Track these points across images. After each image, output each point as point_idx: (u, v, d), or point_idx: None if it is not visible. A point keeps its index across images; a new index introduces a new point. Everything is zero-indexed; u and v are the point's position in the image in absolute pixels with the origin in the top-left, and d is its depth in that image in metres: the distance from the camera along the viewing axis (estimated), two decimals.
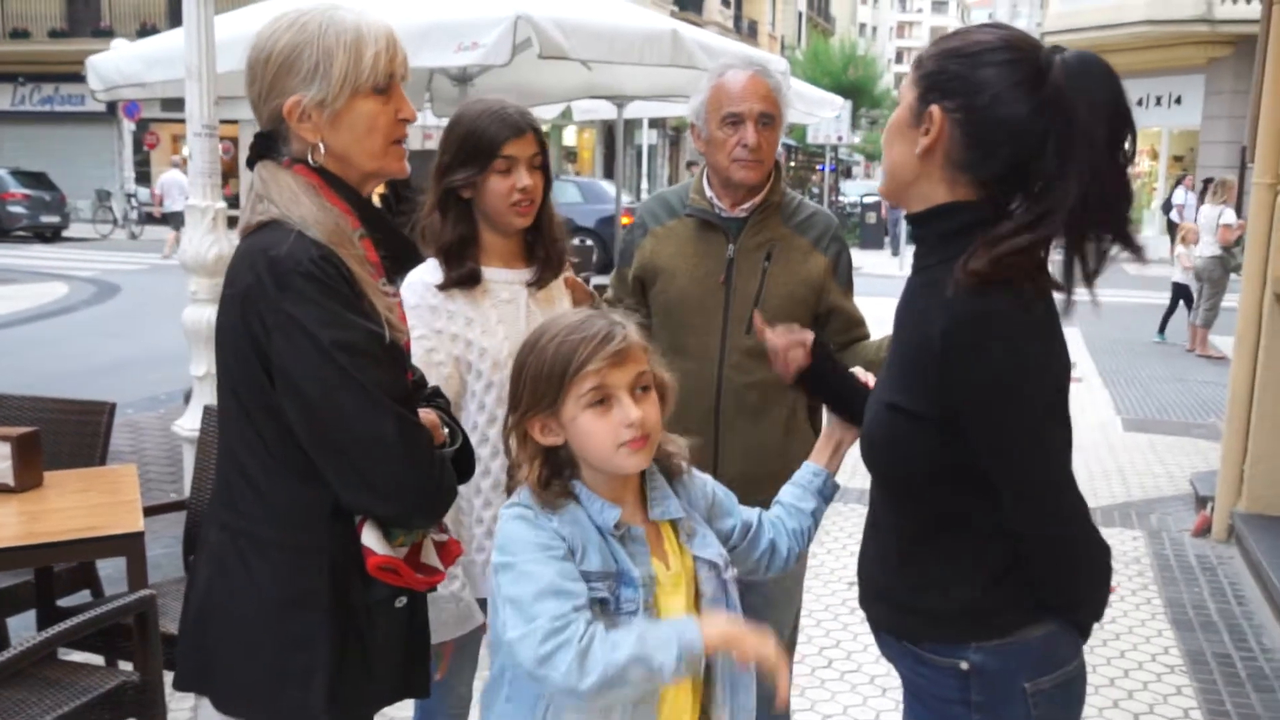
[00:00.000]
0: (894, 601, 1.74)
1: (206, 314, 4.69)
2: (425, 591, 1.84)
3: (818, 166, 34.36)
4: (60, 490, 3.43)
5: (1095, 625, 1.74)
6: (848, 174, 50.91)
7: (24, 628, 3.52)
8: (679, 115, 13.22)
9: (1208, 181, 15.00)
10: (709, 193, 2.69)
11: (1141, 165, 26.20)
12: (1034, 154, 1.54)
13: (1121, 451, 7.51)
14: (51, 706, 2.74)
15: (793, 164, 42.40)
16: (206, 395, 4.74)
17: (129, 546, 3.10)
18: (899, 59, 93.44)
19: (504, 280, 2.34)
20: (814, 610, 4.51)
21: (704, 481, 1.80)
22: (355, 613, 1.72)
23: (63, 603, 3.48)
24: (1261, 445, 5.45)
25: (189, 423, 4.77)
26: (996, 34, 1.62)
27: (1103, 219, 1.54)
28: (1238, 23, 21.93)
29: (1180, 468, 7.07)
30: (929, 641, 1.67)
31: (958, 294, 1.51)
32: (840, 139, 25.19)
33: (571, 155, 37.15)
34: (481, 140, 2.24)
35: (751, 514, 1.87)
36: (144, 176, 29.54)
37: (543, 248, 2.42)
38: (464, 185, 2.27)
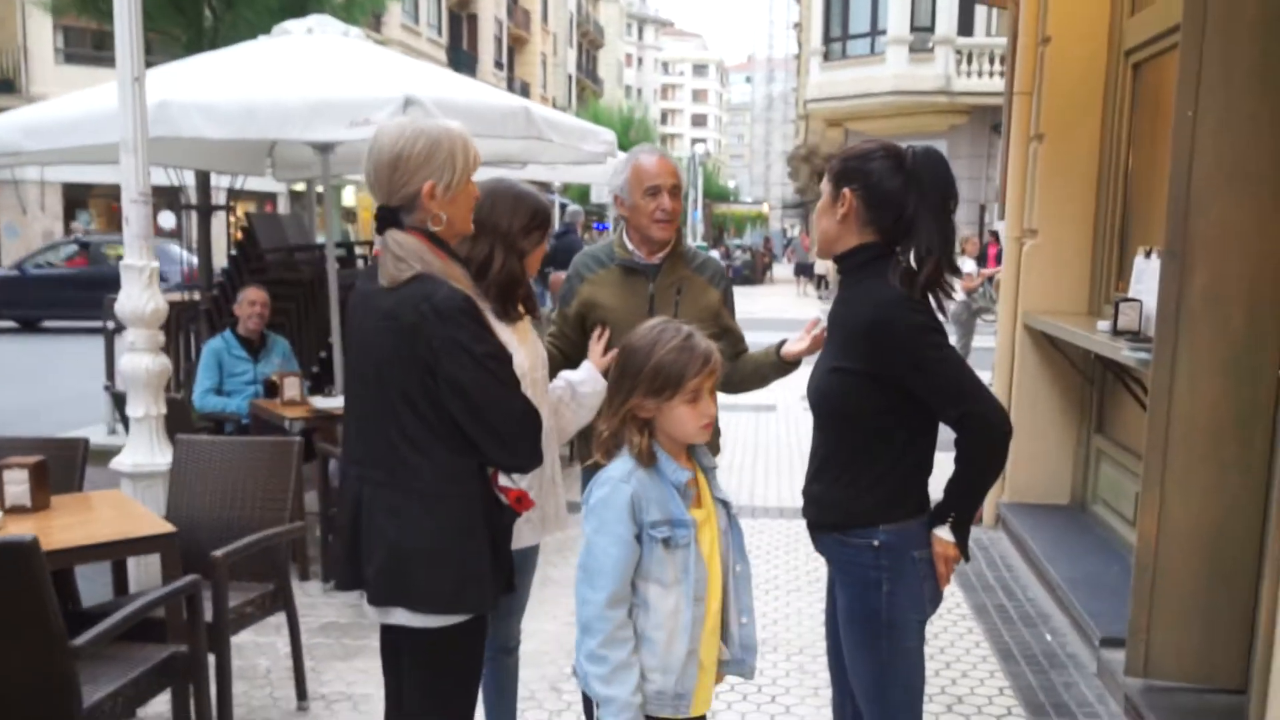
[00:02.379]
0: (829, 503, 2.70)
1: (144, 362, 5.27)
2: None
3: (593, 225, 35.82)
4: (68, 510, 3.99)
5: None
6: None
7: None
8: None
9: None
10: (630, 246, 3.60)
11: None
12: (905, 209, 2.58)
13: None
14: (119, 675, 3.32)
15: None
16: (145, 434, 5.30)
17: (164, 544, 3.75)
18: (664, 120, 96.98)
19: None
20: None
21: (707, 453, 2.62)
22: (498, 532, 2.58)
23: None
24: (1019, 447, 6.70)
25: (128, 459, 5.32)
26: (876, 143, 2.68)
27: (944, 249, 2.58)
28: (972, 95, 24.63)
29: None
30: (852, 528, 2.65)
31: (879, 296, 2.53)
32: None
33: (351, 215, 37.43)
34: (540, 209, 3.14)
35: None
36: None
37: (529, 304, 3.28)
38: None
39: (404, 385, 2.49)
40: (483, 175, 2.94)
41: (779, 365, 3.53)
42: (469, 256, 3.02)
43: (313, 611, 5.21)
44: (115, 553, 3.78)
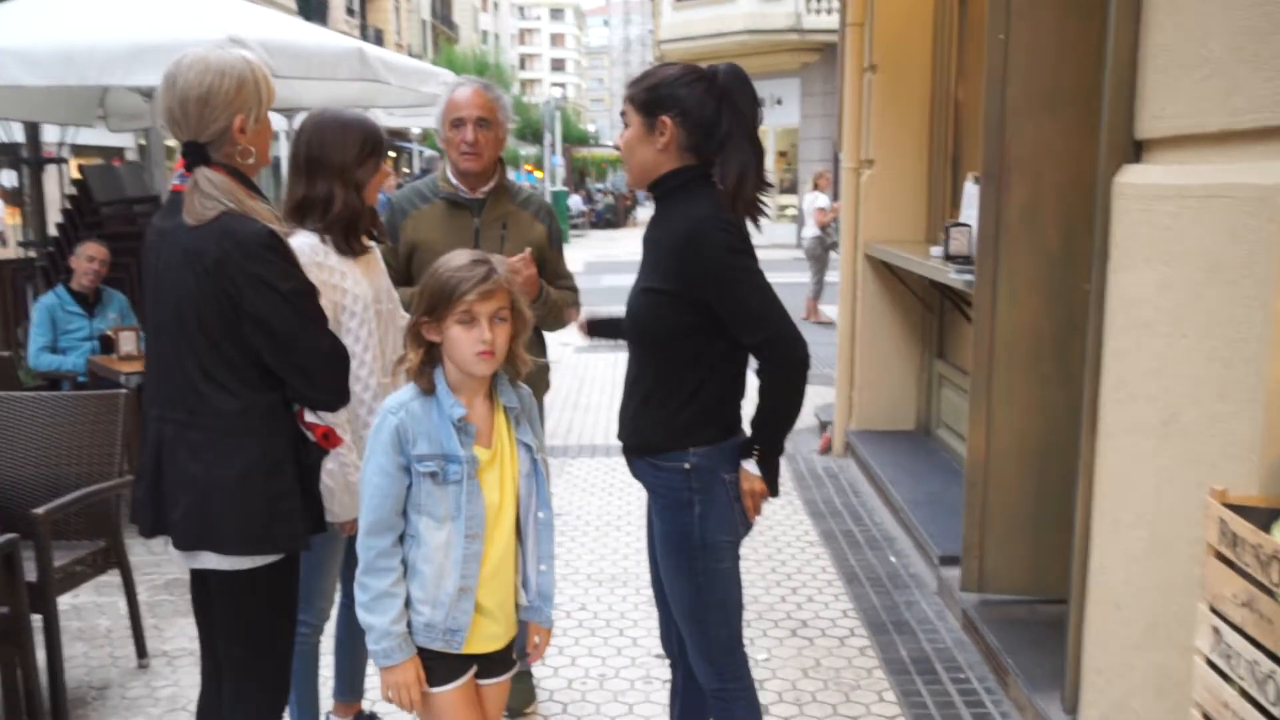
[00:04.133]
0: (641, 426, 2.67)
1: None
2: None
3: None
4: None
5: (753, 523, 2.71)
6: None
7: None
8: None
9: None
10: (454, 180, 3.52)
11: None
12: (719, 129, 2.55)
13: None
14: None
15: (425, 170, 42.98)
16: None
17: None
18: (522, 65, 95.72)
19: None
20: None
21: (529, 394, 2.55)
22: (305, 470, 2.50)
23: None
24: (864, 375, 6.88)
25: None
26: (678, 67, 2.63)
27: (756, 168, 2.57)
28: (822, 32, 24.83)
29: (807, 409, 8.47)
30: (664, 451, 2.63)
31: (694, 214, 2.50)
32: None
33: None
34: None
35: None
36: None
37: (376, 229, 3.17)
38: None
39: (205, 322, 2.39)
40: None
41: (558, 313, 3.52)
42: (306, 197, 2.96)
43: (156, 569, 5.05)
44: None
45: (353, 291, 2.95)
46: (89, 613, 4.63)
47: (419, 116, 10.98)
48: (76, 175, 8.56)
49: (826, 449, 7.16)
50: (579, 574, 5.03)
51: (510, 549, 2.43)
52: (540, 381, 3.62)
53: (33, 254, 8.58)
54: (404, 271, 3.50)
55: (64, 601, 4.61)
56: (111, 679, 4.05)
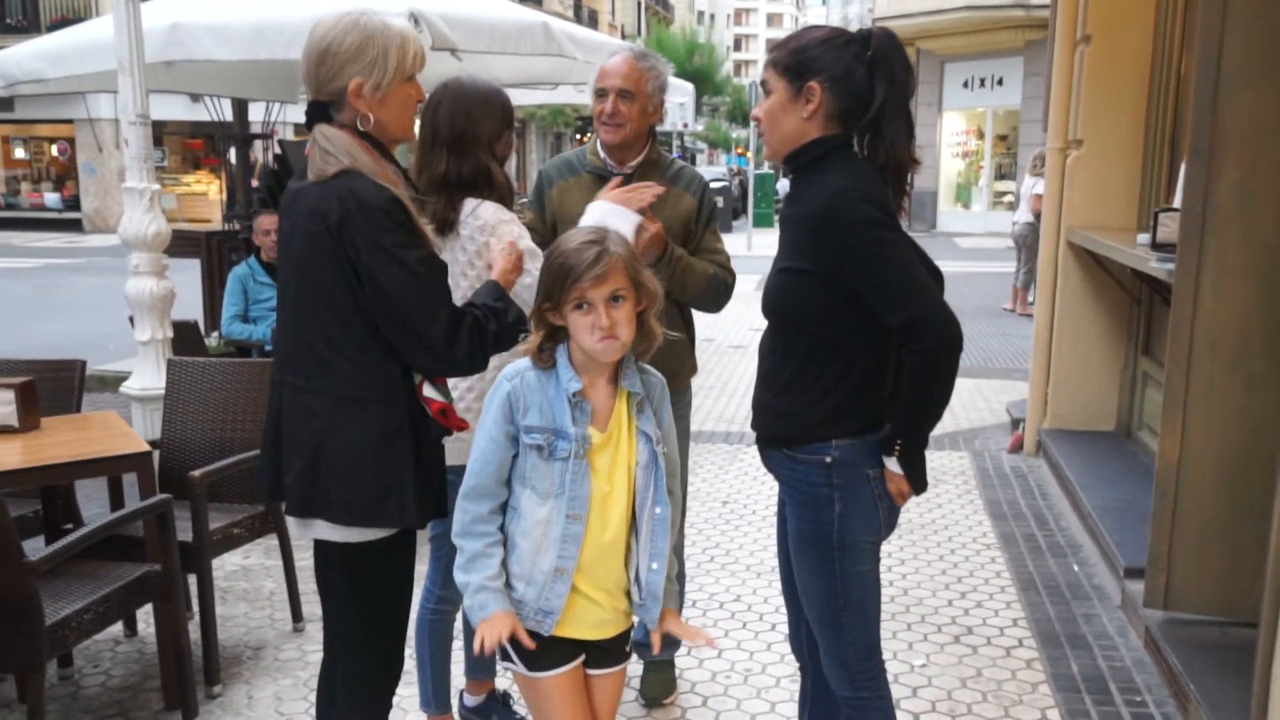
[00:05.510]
0: (777, 414, 2.51)
1: (148, 285, 5.23)
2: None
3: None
4: (57, 431, 3.96)
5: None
6: (692, 161, 52.22)
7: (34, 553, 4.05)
8: (532, 105, 13.87)
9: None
10: (602, 154, 3.40)
11: (969, 144, 27.86)
12: (875, 98, 2.36)
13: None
14: (91, 591, 3.29)
15: None
16: (151, 358, 5.27)
17: (140, 463, 3.70)
18: (737, 46, 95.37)
19: None
20: (695, 522, 5.31)
21: (660, 382, 2.43)
22: (424, 446, 2.43)
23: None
24: (1061, 370, 6.46)
25: (136, 383, 5.31)
26: (825, 29, 2.44)
27: (907, 137, 2.38)
28: (1049, 8, 23.61)
29: (1000, 404, 8.08)
30: (802, 443, 2.45)
31: (832, 186, 2.32)
32: (686, 126, 26.14)
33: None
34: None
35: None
36: None
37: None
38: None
39: (326, 284, 2.35)
40: (514, 99, 2.85)
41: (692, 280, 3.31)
42: (456, 174, 2.98)
43: None
44: (87, 472, 3.72)
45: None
46: (256, 574, 4.78)
47: None
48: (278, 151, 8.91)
49: (1017, 448, 6.76)
50: (738, 564, 4.88)
51: (620, 539, 2.31)
52: (684, 363, 3.47)
53: (236, 226, 8.98)
54: (551, 240, 3.41)
55: (233, 562, 4.84)
56: (268, 640, 4.15)
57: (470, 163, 2.99)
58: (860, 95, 2.38)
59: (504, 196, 3.03)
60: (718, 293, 3.37)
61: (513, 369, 2.30)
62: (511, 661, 2.30)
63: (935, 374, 2.33)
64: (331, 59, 2.37)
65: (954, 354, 2.31)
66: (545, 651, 2.28)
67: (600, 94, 3.30)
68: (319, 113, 2.42)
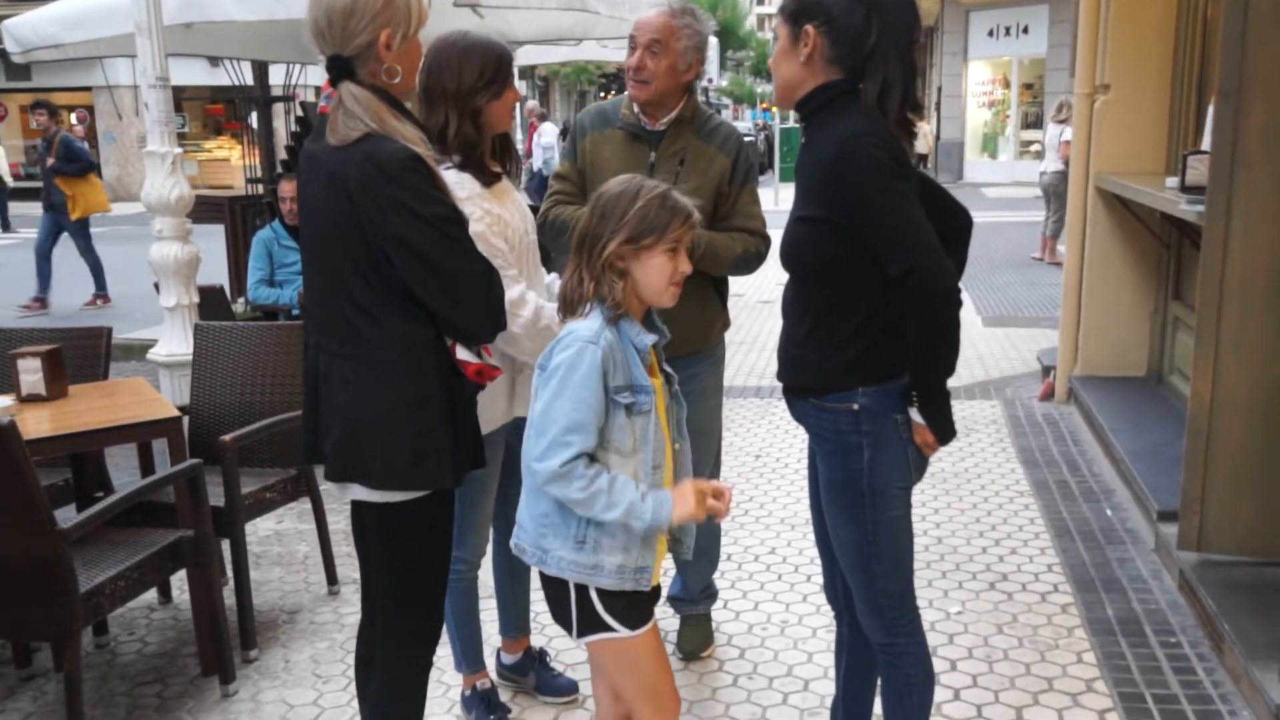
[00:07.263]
0: (803, 364, 2.48)
1: (173, 250, 5.24)
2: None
3: None
4: (85, 398, 3.99)
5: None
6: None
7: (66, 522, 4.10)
8: (555, 63, 13.79)
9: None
10: (635, 110, 3.30)
11: (995, 94, 27.52)
12: (868, 40, 2.31)
13: (981, 343, 8.46)
14: (124, 558, 3.31)
15: None
16: (177, 324, 5.30)
17: (171, 428, 3.73)
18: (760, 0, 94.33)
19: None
20: (728, 476, 5.30)
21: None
22: (458, 407, 2.42)
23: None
24: (1092, 317, 6.39)
25: (163, 349, 5.34)
26: None
27: (908, 83, 2.32)
28: None
29: (1030, 352, 8.01)
30: (829, 392, 2.43)
31: (843, 132, 2.28)
32: (710, 81, 25.99)
33: None
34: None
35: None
36: None
37: (509, 159, 3.09)
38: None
39: (351, 249, 2.32)
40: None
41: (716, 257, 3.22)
42: (423, 126, 2.86)
43: None
44: (118, 438, 3.75)
45: (507, 220, 2.87)
46: (290, 539, 4.81)
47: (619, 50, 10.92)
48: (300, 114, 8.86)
49: (1048, 395, 6.71)
50: (772, 517, 4.88)
51: (669, 478, 2.35)
52: (717, 318, 3.42)
53: (260, 190, 8.96)
54: (582, 189, 3.35)
55: (267, 527, 4.87)
56: (303, 604, 4.18)
57: (435, 116, 2.85)
58: (855, 37, 2.33)
59: (464, 154, 2.87)
60: (748, 264, 3.28)
61: (591, 331, 2.23)
62: (612, 630, 2.28)
63: (933, 325, 2.29)
64: (362, 10, 2.32)
65: (951, 306, 2.28)
66: (639, 608, 2.30)
67: (631, 47, 3.21)
68: (343, 68, 2.36)
